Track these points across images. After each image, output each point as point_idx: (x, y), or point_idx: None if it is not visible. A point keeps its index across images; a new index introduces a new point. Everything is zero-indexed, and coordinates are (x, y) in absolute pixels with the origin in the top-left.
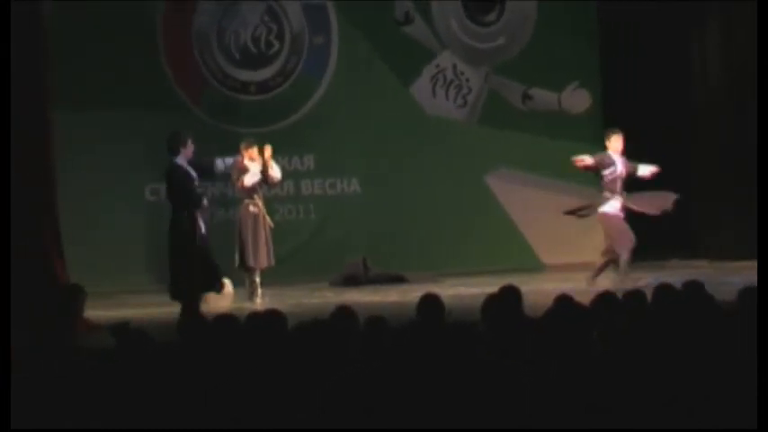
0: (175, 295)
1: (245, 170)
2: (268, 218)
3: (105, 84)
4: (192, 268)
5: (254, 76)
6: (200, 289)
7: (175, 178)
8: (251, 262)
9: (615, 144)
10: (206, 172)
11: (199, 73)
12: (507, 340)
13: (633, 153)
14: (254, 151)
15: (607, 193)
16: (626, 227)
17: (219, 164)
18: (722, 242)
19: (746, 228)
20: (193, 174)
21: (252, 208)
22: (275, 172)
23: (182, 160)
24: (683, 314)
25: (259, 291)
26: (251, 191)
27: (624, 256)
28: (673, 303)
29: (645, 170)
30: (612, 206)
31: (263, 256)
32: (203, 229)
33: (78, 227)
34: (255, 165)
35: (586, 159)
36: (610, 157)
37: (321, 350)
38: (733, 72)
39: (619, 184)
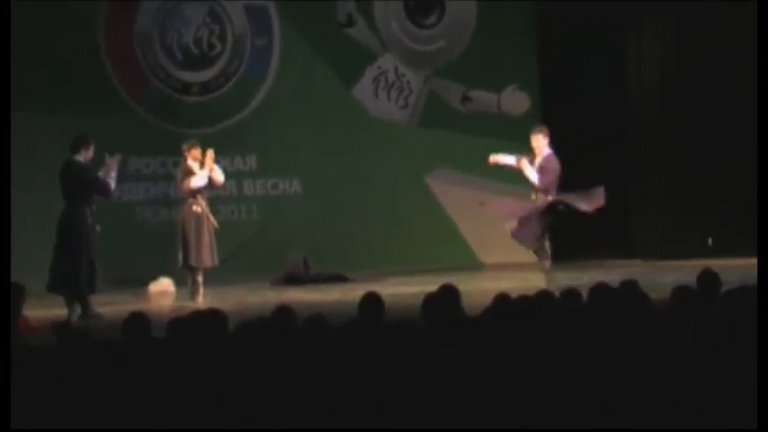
0: (53, 287)
1: (190, 172)
2: (212, 218)
3: (48, 83)
4: (79, 265)
5: (197, 76)
6: (86, 287)
7: (73, 172)
8: (193, 261)
9: (533, 144)
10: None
11: (141, 72)
12: (446, 338)
13: (572, 153)
14: (198, 152)
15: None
16: (515, 221)
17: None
18: (657, 241)
19: (681, 227)
20: (93, 170)
21: (195, 208)
22: (218, 175)
23: (80, 158)
24: (618, 312)
25: (201, 290)
26: (195, 191)
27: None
28: (607, 300)
29: (529, 173)
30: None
31: (206, 256)
32: (96, 229)
33: (23, 227)
34: (202, 167)
35: (500, 158)
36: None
37: (261, 349)
38: (668, 72)
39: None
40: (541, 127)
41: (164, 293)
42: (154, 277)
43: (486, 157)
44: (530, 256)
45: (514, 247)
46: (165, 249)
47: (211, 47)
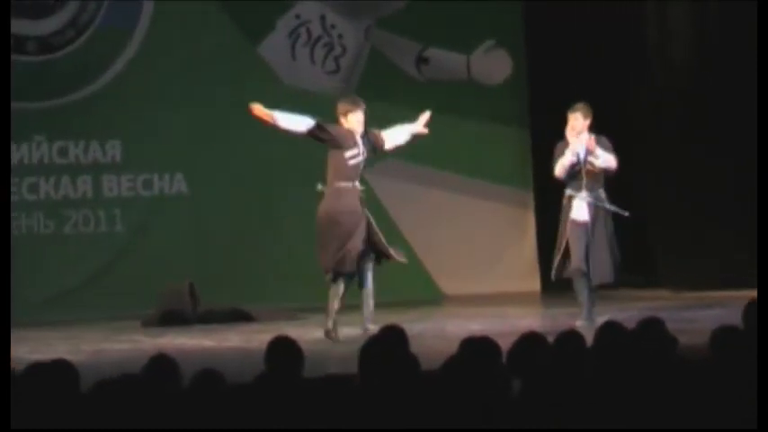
0: None
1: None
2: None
3: None
4: None
5: (34, 28)
6: None
7: None
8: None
9: (569, 124)
10: None
11: None
12: (392, 399)
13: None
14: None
15: (568, 191)
16: (580, 243)
17: None
18: (690, 266)
19: (722, 247)
20: None
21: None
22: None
23: None
24: (635, 362)
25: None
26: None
27: (575, 285)
28: (621, 347)
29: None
30: (578, 210)
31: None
32: None
33: None
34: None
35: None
36: (564, 145)
37: (128, 417)
38: (706, 47)
39: (585, 180)
40: (578, 105)
41: None
42: None
43: (452, 144)
44: (508, 286)
45: (486, 274)
46: None
47: None
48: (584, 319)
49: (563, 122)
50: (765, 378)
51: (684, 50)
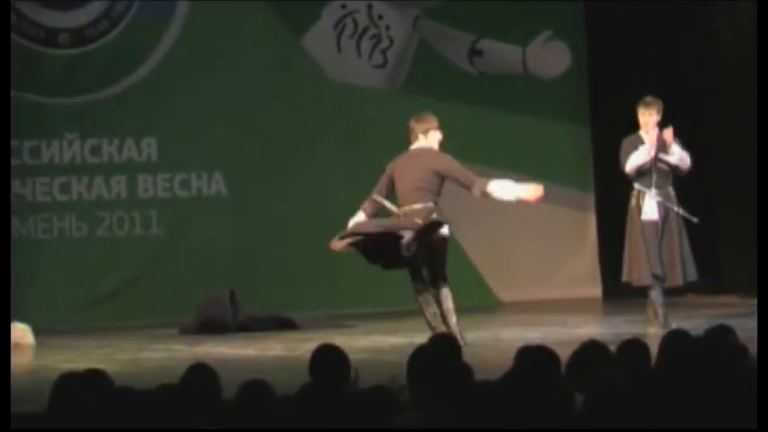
0: None
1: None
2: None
3: None
4: None
5: (66, 19)
6: None
7: None
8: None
9: (643, 120)
10: None
11: None
12: (444, 411)
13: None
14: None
15: (637, 185)
16: (654, 245)
17: None
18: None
19: None
20: None
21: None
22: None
23: None
24: (703, 372)
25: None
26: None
27: (651, 291)
28: (688, 357)
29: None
30: (649, 209)
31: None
32: None
33: None
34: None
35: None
36: (640, 140)
37: (166, 429)
38: None
39: (655, 177)
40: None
41: (17, 346)
42: None
43: (507, 141)
44: (568, 293)
45: (545, 279)
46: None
47: None
48: (660, 327)
49: (625, 119)
50: (766, 378)
51: (753, 45)
